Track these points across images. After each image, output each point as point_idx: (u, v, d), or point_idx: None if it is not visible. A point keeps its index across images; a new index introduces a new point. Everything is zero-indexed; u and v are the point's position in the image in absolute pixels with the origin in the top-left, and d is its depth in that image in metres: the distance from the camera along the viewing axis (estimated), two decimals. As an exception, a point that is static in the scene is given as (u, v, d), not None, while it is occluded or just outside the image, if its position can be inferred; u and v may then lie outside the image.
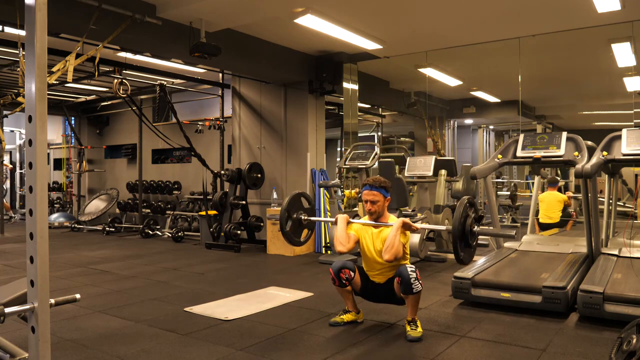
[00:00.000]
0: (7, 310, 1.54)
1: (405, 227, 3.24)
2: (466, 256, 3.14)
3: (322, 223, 6.99)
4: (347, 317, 3.53)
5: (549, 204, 7.32)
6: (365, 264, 3.48)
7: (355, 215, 6.70)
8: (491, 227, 4.95)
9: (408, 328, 3.26)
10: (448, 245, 6.56)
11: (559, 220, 7.41)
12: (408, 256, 3.41)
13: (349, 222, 3.49)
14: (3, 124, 9.66)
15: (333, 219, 3.55)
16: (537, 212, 7.28)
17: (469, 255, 3.18)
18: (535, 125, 10.29)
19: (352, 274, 3.37)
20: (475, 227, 3.15)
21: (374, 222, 3.39)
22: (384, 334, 3.34)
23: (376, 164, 6.36)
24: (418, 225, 3.30)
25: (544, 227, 7.37)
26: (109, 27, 4.86)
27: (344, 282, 3.37)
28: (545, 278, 3.88)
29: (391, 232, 3.22)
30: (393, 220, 3.36)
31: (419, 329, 3.25)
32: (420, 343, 3.16)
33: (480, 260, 4.62)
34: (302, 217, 3.76)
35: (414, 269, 3.19)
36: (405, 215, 5.55)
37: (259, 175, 7.61)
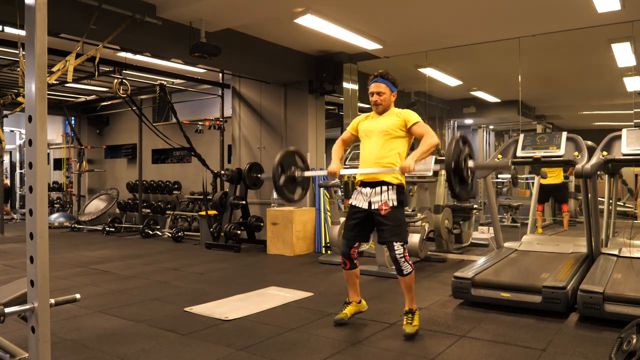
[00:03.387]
0: (7, 310, 1.54)
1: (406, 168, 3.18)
2: (462, 192, 3.06)
3: (322, 221, 6.99)
4: (349, 310, 3.53)
5: (551, 170, 7.34)
6: (361, 160, 3.41)
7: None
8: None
9: (405, 321, 3.28)
10: (448, 245, 6.56)
11: (561, 181, 7.44)
12: (405, 151, 3.38)
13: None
14: (3, 124, 9.67)
15: (325, 172, 3.49)
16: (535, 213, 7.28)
17: (465, 192, 3.10)
18: (535, 125, 10.29)
19: (356, 250, 3.43)
20: (470, 162, 3.08)
21: (366, 170, 3.32)
22: (384, 334, 3.34)
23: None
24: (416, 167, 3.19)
25: (545, 188, 7.38)
26: (109, 27, 4.86)
27: (355, 262, 3.44)
28: (545, 278, 3.88)
29: (416, 152, 3.18)
30: (399, 110, 3.38)
31: (415, 323, 3.26)
32: (420, 343, 3.16)
33: (480, 260, 4.62)
34: (296, 174, 3.57)
35: (402, 253, 3.22)
36: (406, 216, 5.53)
37: (259, 175, 7.61)
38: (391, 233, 3.25)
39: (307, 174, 3.61)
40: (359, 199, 3.38)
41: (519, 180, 11.20)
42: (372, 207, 3.30)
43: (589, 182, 4.17)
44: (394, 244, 3.24)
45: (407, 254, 3.27)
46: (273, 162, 3.47)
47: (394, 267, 3.36)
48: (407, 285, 3.30)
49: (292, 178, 3.54)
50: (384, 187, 3.28)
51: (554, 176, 7.44)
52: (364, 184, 3.37)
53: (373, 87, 3.38)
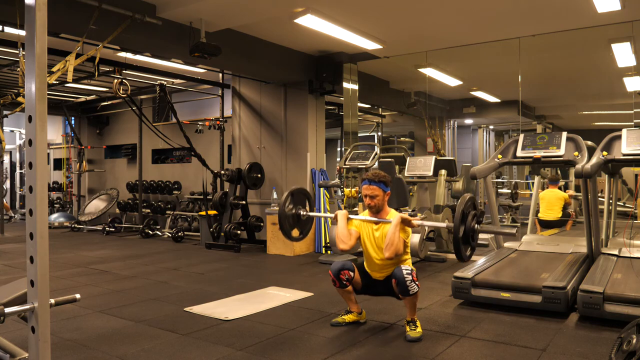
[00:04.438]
0: (7, 310, 1.54)
1: (405, 223, 3.23)
2: (467, 254, 3.13)
3: (322, 221, 6.99)
4: (348, 318, 3.53)
5: (550, 201, 7.31)
6: (366, 261, 3.48)
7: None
8: (492, 225, 4.93)
9: (408, 328, 3.27)
10: (448, 245, 6.56)
11: (559, 218, 7.41)
12: (409, 252, 3.41)
13: (348, 219, 3.48)
14: (3, 124, 9.66)
15: (332, 215, 3.54)
16: (537, 212, 7.28)
17: (470, 254, 3.17)
18: (535, 125, 10.30)
19: (351, 274, 3.37)
20: (476, 225, 3.14)
21: (373, 218, 3.38)
22: (384, 334, 3.34)
23: (376, 164, 6.36)
24: (417, 222, 3.30)
25: (544, 224, 7.36)
26: (109, 27, 4.86)
27: (345, 283, 3.37)
28: (545, 278, 3.88)
29: (390, 229, 3.20)
30: (393, 215, 3.34)
31: (419, 329, 3.25)
32: (420, 343, 3.16)
33: (480, 260, 4.62)
34: (301, 213, 3.69)
35: (409, 271, 3.16)
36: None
37: (259, 175, 7.62)
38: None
39: (312, 214, 3.75)
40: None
41: (520, 181, 11.21)
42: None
43: (589, 182, 4.17)
44: (403, 268, 3.20)
45: (415, 274, 3.18)
46: (280, 203, 3.60)
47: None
48: (412, 303, 3.25)
49: (298, 216, 3.68)
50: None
51: (553, 211, 7.30)
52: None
53: (366, 190, 3.34)
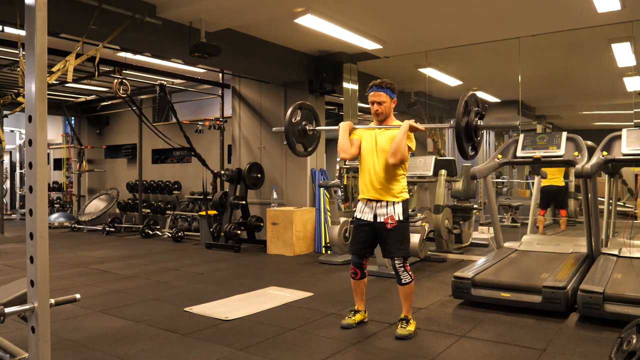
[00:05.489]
0: (7, 310, 1.54)
1: (412, 130, 3.24)
2: (472, 150, 3.10)
3: (322, 221, 6.99)
4: (358, 318, 3.53)
5: (551, 171, 7.34)
6: (362, 178, 3.43)
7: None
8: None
9: (399, 325, 3.30)
10: (448, 245, 6.56)
11: (562, 184, 7.45)
12: (407, 169, 3.41)
13: (352, 130, 3.49)
14: (3, 124, 9.66)
15: (337, 127, 3.52)
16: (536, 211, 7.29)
17: (474, 150, 3.13)
18: (535, 125, 10.28)
19: (367, 258, 3.47)
20: (479, 121, 3.08)
21: (378, 127, 3.38)
22: (384, 334, 3.34)
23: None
24: (422, 126, 3.27)
25: (547, 190, 7.38)
26: (109, 27, 4.86)
27: (365, 271, 3.46)
28: (545, 278, 3.88)
29: (398, 134, 3.20)
30: (399, 123, 3.34)
31: (409, 328, 3.27)
32: (420, 343, 3.16)
33: (480, 260, 4.63)
34: (307, 127, 3.69)
35: (401, 263, 3.27)
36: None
37: (259, 175, 7.61)
38: (395, 248, 3.29)
39: (318, 128, 3.72)
40: (365, 212, 3.39)
41: (520, 181, 11.22)
42: (378, 220, 3.32)
43: (589, 182, 4.17)
44: (395, 257, 3.30)
45: (407, 265, 3.32)
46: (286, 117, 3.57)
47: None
48: (405, 294, 3.34)
49: (304, 131, 3.64)
50: (390, 202, 3.32)
51: (555, 178, 7.43)
52: (369, 200, 3.38)
53: (373, 97, 3.36)
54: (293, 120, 3.62)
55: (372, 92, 3.37)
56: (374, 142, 3.36)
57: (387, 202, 3.31)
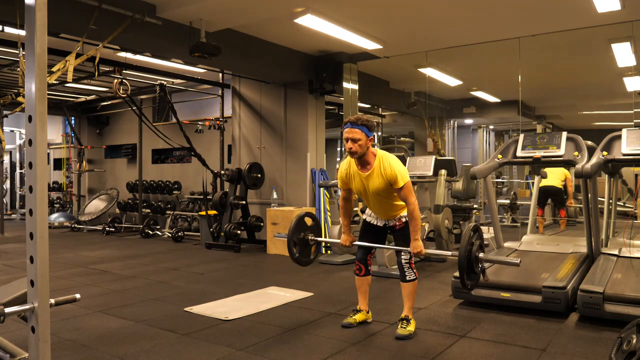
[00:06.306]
0: (7, 310, 1.54)
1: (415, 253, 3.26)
2: (472, 283, 3.14)
3: (322, 221, 6.99)
4: (359, 317, 3.53)
5: (552, 171, 7.35)
6: (368, 205, 3.53)
7: (356, 216, 6.70)
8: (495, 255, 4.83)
9: (399, 325, 3.31)
10: (448, 245, 6.56)
11: (560, 185, 7.46)
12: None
13: (343, 176, 3.48)
14: (3, 124, 9.66)
15: (339, 241, 3.59)
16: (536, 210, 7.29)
17: (474, 281, 3.18)
18: (535, 125, 10.28)
19: (371, 255, 3.55)
20: (480, 254, 3.10)
21: (360, 171, 3.32)
22: (384, 334, 3.34)
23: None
24: (425, 250, 3.27)
25: (545, 190, 7.39)
26: (109, 27, 4.86)
27: (369, 268, 3.52)
28: (545, 278, 3.88)
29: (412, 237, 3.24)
30: (380, 157, 3.22)
31: (409, 328, 3.27)
32: (420, 343, 3.16)
33: (480, 260, 4.62)
34: (309, 238, 3.71)
35: (407, 259, 3.32)
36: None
37: (259, 175, 7.61)
38: (402, 243, 3.37)
39: (319, 239, 3.75)
40: (374, 218, 3.51)
41: (520, 181, 11.21)
42: (387, 225, 3.47)
43: (589, 182, 4.17)
44: (402, 252, 3.34)
45: (412, 262, 3.36)
46: (288, 235, 3.63)
47: (397, 271, 3.44)
48: (408, 292, 3.36)
49: (306, 241, 3.68)
50: (396, 216, 3.43)
51: (554, 178, 7.44)
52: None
53: (347, 133, 3.18)
54: (295, 252, 3.64)
55: (346, 128, 3.19)
56: (365, 187, 3.34)
57: (393, 217, 3.44)
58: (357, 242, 3.54)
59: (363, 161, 3.27)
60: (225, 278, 5.29)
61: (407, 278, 3.33)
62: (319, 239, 3.75)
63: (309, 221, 3.73)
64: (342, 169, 3.43)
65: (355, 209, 6.23)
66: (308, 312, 3.88)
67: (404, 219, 3.39)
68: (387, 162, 3.21)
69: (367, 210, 3.56)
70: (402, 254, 3.33)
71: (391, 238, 3.57)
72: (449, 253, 3.42)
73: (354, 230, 3.98)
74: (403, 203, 3.33)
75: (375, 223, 3.50)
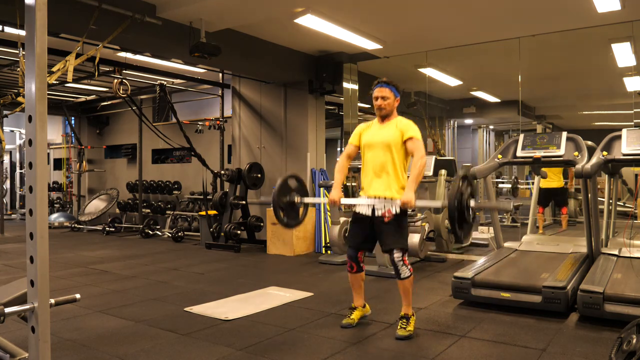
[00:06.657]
0: (7, 310, 1.54)
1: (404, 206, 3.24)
2: (464, 232, 3.10)
3: (322, 221, 6.99)
4: (356, 316, 3.53)
5: (552, 170, 7.35)
6: (364, 174, 3.46)
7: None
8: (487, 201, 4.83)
9: (399, 325, 3.29)
10: (448, 245, 6.56)
11: (561, 185, 7.46)
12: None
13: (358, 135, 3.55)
14: (3, 124, 9.66)
15: (326, 200, 3.55)
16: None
17: (467, 232, 3.14)
18: (535, 125, 10.28)
19: (363, 252, 3.48)
20: (472, 202, 3.09)
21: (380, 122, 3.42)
22: (384, 334, 3.34)
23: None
24: (418, 203, 3.29)
25: (545, 192, 7.38)
26: (109, 27, 4.86)
27: (362, 264, 3.48)
28: (545, 278, 3.88)
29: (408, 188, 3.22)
30: (400, 121, 3.39)
31: (409, 328, 3.27)
32: (420, 343, 3.16)
33: (480, 260, 4.62)
34: (296, 200, 3.56)
35: (400, 257, 3.27)
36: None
37: (259, 175, 7.61)
38: (392, 240, 3.29)
39: (306, 200, 3.61)
40: (363, 207, 3.41)
41: (520, 181, 11.21)
42: (376, 214, 3.33)
43: (589, 182, 4.17)
44: (394, 249, 3.29)
45: (406, 259, 3.31)
46: (272, 198, 3.47)
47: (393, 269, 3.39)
48: (405, 289, 3.33)
49: (292, 204, 3.55)
50: (389, 198, 3.33)
51: (555, 180, 7.44)
52: (369, 197, 3.40)
53: (377, 92, 3.42)
54: (279, 197, 3.50)
55: (377, 87, 3.44)
56: (376, 136, 3.39)
57: (385, 197, 3.32)
58: (345, 200, 3.46)
59: (385, 120, 3.45)
60: (225, 278, 5.29)
61: (402, 276, 3.29)
62: (306, 199, 3.62)
63: (292, 183, 3.61)
64: (361, 125, 3.60)
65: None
66: (308, 312, 3.88)
67: (393, 210, 3.27)
68: (405, 120, 3.44)
69: (358, 197, 3.46)
70: (395, 251, 3.27)
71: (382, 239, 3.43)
72: (439, 203, 3.40)
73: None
74: (401, 177, 3.31)
75: (363, 212, 3.37)
